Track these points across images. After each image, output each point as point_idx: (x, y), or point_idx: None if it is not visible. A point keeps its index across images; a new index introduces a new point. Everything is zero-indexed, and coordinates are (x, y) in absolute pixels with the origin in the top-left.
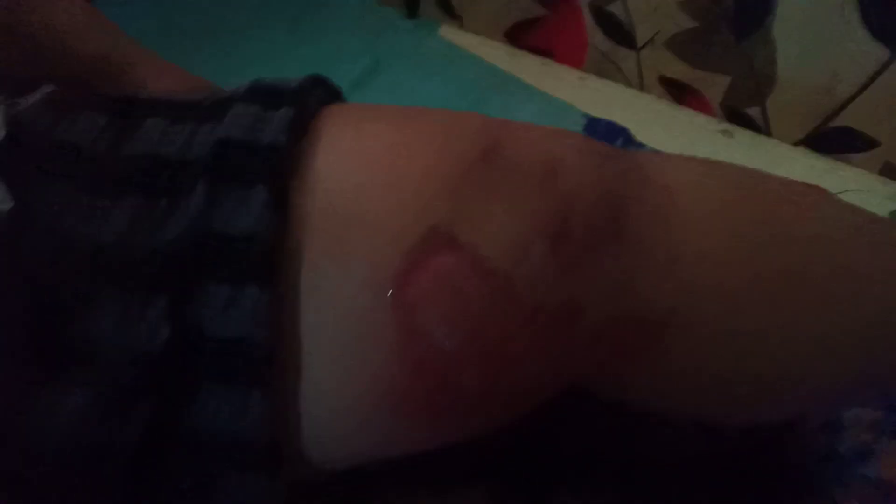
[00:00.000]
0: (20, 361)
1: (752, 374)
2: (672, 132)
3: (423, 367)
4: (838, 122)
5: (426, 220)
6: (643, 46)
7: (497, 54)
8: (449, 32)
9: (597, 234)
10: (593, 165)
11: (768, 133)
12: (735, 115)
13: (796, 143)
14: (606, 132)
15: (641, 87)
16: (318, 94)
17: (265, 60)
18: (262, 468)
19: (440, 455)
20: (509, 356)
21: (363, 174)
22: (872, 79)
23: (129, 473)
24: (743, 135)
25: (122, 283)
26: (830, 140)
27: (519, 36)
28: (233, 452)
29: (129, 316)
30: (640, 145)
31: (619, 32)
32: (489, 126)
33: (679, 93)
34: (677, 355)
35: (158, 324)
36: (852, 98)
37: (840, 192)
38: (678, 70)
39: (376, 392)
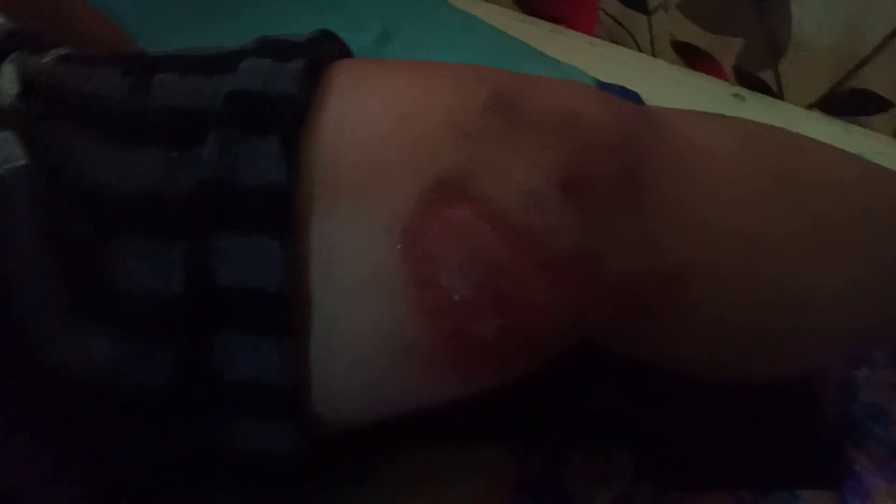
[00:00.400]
0: (51, 305)
1: (774, 322)
2: (683, 97)
3: (438, 317)
4: (853, 83)
5: (438, 168)
6: (655, 10)
7: (508, 21)
8: (459, 0)
9: (614, 184)
10: (611, 116)
11: (781, 97)
12: (748, 79)
13: (810, 107)
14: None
15: (653, 52)
16: (329, 48)
17: (273, 30)
18: (282, 415)
19: (458, 414)
20: (524, 306)
21: (374, 124)
22: (889, 39)
23: (160, 415)
24: (756, 99)
25: (140, 231)
26: (845, 102)
27: (529, 2)
28: (254, 399)
29: (148, 262)
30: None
31: None
32: (504, 76)
33: (691, 57)
34: (698, 307)
35: (174, 270)
36: (868, 59)
37: None
38: (691, 34)
39: (392, 342)
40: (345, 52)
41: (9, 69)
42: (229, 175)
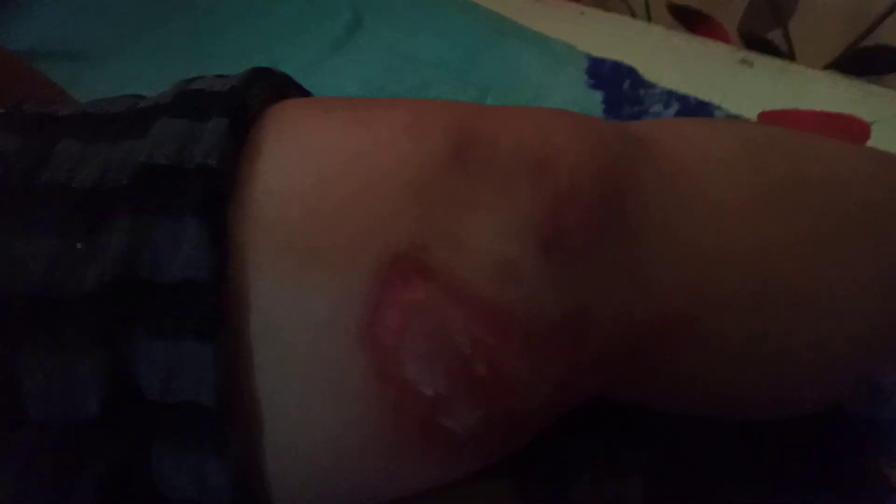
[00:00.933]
0: None
1: (798, 344)
2: (685, 67)
3: (405, 412)
4: (872, 39)
5: (392, 241)
6: None
7: None
8: None
9: (597, 229)
10: (589, 150)
11: (792, 58)
12: (755, 42)
13: (825, 67)
14: (611, 74)
15: (649, 19)
16: (259, 92)
17: (240, 22)
18: None
19: None
20: (505, 391)
21: (312, 193)
22: None
23: None
24: (765, 63)
25: (43, 341)
26: (864, 61)
27: None
28: None
29: (55, 381)
30: (651, 85)
31: None
32: (462, 116)
33: (691, 21)
34: (708, 342)
35: (87, 388)
36: (890, 11)
37: (874, 122)
38: None
39: (354, 445)
40: (282, 88)
41: None
42: (143, 269)
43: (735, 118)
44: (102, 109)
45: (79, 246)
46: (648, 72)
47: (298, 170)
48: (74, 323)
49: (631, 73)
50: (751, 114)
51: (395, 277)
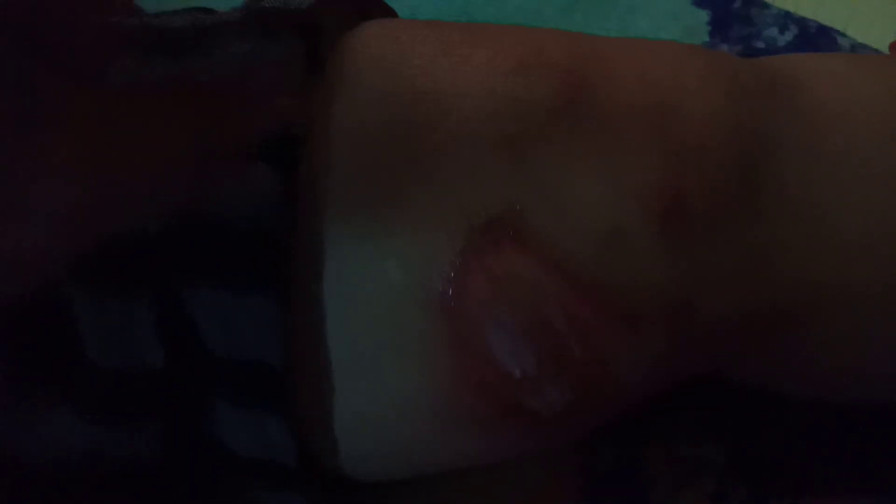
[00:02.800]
0: (12, 380)
1: None
2: None
3: (487, 390)
4: None
5: (485, 204)
6: None
7: None
8: None
9: (724, 204)
10: (720, 101)
11: None
12: None
13: None
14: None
15: None
16: (337, 11)
17: None
18: (298, 489)
19: None
20: (598, 373)
21: (396, 141)
22: None
23: (157, 489)
24: None
25: (97, 280)
26: None
27: None
28: (264, 473)
29: (110, 326)
30: (765, 5)
31: None
32: (575, 56)
33: None
34: (823, 344)
35: (148, 338)
36: None
37: None
38: None
39: (427, 422)
40: (363, 4)
41: None
42: (207, 210)
43: (862, 47)
44: (163, 23)
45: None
46: None
47: (381, 111)
48: (137, 263)
49: None
50: (882, 43)
51: (487, 244)
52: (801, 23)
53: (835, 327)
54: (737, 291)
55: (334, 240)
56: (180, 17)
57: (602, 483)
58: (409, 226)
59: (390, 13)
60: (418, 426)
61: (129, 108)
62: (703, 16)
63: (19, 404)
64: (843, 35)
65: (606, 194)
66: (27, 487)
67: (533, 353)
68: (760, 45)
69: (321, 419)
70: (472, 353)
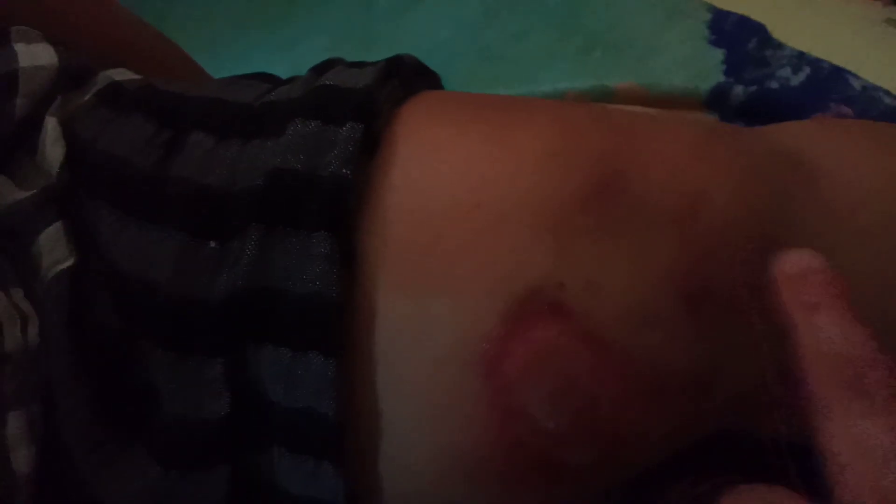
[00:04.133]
0: (90, 435)
1: None
2: (820, 26)
3: (522, 447)
4: None
5: (526, 277)
6: None
7: None
8: None
9: (748, 282)
10: (746, 188)
11: None
12: None
13: None
14: (736, 31)
15: None
16: (392, 90)
17: None
18: None
19: None
20: (624, 435)
21: (445, 217)
22: None
23: None
24: None
25: (173, 341)
26: None
27: None
28: None
29: (184, 380)
30: (779, 45)
31: None
32: (611, 143)
33: None
34: None
35: (217, 390)
36: None
37: None
38: None
39: (465, 469)
40: (413, 79)
41: (52, 125)
42: (273, 279)
43: (874, 88)
44: (233, 96)
45: (212, 245)
46: (777, 29)
47: (432, 189)
48: (208, 326)
49: (759, 30)
50: (892, 83)
51: (527, 313)
52: (815, 63)
53: None
54: (754, 369)
55: (386, 304)
56: (247, 88)
57: None
58: (456, 294)
59: (434, 78)
60: (456, 478)
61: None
62: (719, 55)
63: (103, 447)
64: (856, 76)
65: (637, 276)
66: None
67: (566, 413)
68: (774, 85)
69: (369, 467)
70: (509, 411)
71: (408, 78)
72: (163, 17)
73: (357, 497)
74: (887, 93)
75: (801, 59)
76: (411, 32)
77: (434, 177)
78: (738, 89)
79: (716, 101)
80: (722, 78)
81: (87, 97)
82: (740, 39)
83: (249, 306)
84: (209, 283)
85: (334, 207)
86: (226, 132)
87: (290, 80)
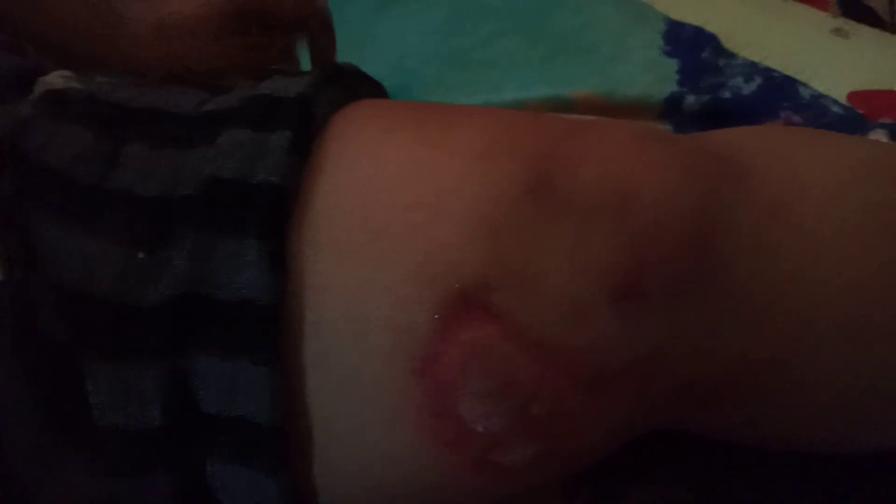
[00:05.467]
0: (34, 442)
1: (882, 392)
2: (770, 36)
3: (458, 449)
4: None
5: (456, 277)
6: None
7: None
8: None
9: (679, 283)
10: (677, 187)
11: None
12: (853, 8)
13: None
14: (690, 40)
15: None
16: (327, 99)
17: None
18: None
19: None
20: (563, 431)
21: (376, 220)
22: None
23: None
24: (862, 33)
25: (111, 350)
26: None
27: None
28: None
29: (122, 389)
30: (732, 55)
31: None
32: (543, 144)
33: None
34: (784, 401)
35: (151, 400)
36: None
37: None
38: None
39: (404, 473)
40: (353, 88)
41: None
42: (204, 287)
43: (823, 97)
44: (173, 105)
45: (140, 255)
46: (730, 40)
47: (363, 193)
48: (140, 335)
49: (712, 40)
50: (841, 92)
51: (459, 315)
52: (766, 73)
53: (774, 395)
54: (689, 363)
55: (320, 308)
56: (186, 97)
57: None
58: (389, 295)
59: (378, 88)
60: (398, 480)
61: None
62: (673, 65)
63: (46, 454)
64: (806, 86)
65: (568, 273)
66: None
67: (500, 415)
68: (727, 94)
69: (309, 474)
70: (445, 415)
71: (347, 86)
72: None
73: None
74: (835, 102)
75: (753, 68)
76: (380, 38)
77: (367, 178)
78: (692, 98)
79: (671, 110)
80: (675, 87)
81: (26, 108)
82: (694, 49)
83: (182, 315)
84: (143, 292)
85: (264, 214)
86: (163, 142)
87: (228, 89)
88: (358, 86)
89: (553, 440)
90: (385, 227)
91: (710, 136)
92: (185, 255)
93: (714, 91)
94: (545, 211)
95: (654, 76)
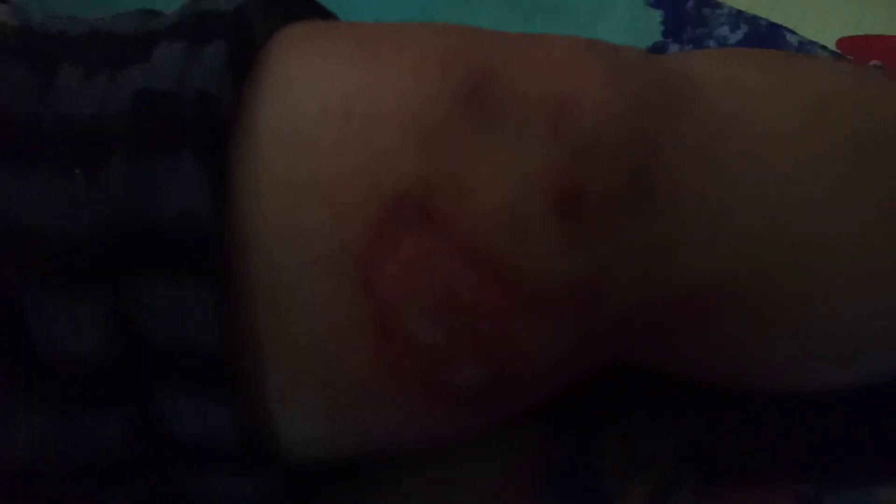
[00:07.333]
0: None
1: (829, 324)
2: None
3: (404, 368)
4: None
5: (395, 183)
6: None
7: None
8: None
9: (619, 194)
10: (617, 95)
11: None
12: None
13: None
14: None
15: None
16: (269, 11)
17: None
18: (244, 472)
19: None
20: (510, 351)
21: (313, 129)
22: None
23: (117, 480)
24: None
25: (47, 279)
26: None
27: None
28: (212, 457)
29: (65, 321)
30: (717, 5)
31: None
32: (478, 50)
33: None
34: (734, 328)
35: (93, 329)
36: None
37: None
38: None
39: (352, 394)
40: (295, 8)
41: None
42: (140, 206)
43: (811, 44)
44: (113, 28)
45: (78, 173)
46: None
47: (299, 103)
48: (75, 261)
49: None
50: (830, 39)
51: (397, 222)
52: (752, 21)
53: (743, 301)
54: (637, 283)
55: (261, 220)
56: (129, 20)
57: (560, 470)
58: (328, 204)
59: (325, 14)
60: (344, 404)
61: None
62: (657, 16)
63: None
64: (793, 32)
65: (508, 180)
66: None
67: (444, 329)
68: (712, 44)
69: (259, 400)
70: (386, 326)
71: (289, 6)
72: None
73: (254, 436)
74: (823, 48)
75: (738, 17)
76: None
77: (304, 88)
78: (675, 48)
79: None
80: (660, 38)
81: None
82: (678, 0)
83: (118, 237)
84: (76, 217)
85: (200, 126)
86: (98, 65)
87: (170, 13)
88: (301, 7)
89: (502, 361)
90: (320, 137)
91: (664, 56)
92: (119, 173)
93: (699, 42)
94: (480, 118)
95: (639, 30)
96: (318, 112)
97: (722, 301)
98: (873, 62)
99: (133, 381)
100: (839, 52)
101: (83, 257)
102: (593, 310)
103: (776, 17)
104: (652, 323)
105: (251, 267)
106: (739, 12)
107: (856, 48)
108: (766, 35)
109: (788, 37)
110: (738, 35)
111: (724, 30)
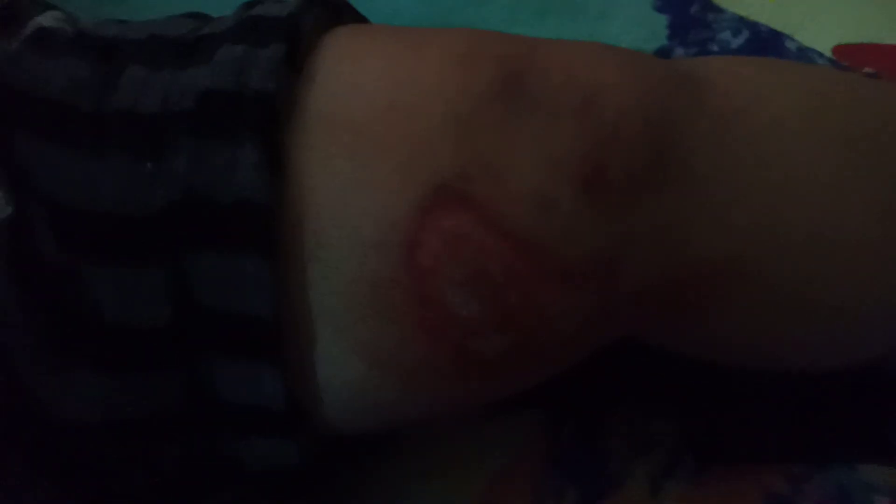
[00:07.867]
0: (38, 352)
1: (841, 304)
2: None
3: (441, 335)
4: None
5: (436, 171)
6: None
7: None
8: None
9: (640, 175)
10: (637, 88)
11: None
12: None
13: None
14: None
15: None
16: (314, 18)
17: None
18: (285, 436)
19: None
20: (535, 321)
21: (361, 120)
22: None
23: (168, 442)
24: None
25: (116, 257)
26: None
27: None
28: (256, 421)
29: (130, 291)
30: (721, 10)
31: None
32: (514, 48)
33: None
34: (744, 306)
35: (157, 299)
36: None
37: None
38: None
39: (394, 361)
40: (337, 13)
41: None
42: (204, 190)
43: (808, 50)
44: (167, 32)
45: (149, 166)
46: None
47: (348, 97)
48: (144, 238)
49: None
50: (826, 46)
51: (438, 206)
52: (754, 27)
53: (756, 280)
54: (654, 258)
55: (312, 206)
56: (180, 24)
57: (565, 451)
58: (376, 192)
59: (361, 19)
60: (389, 375)
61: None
62: (663, 20)
63: (49, 365)
64: (791, 39)
65: (538, 164)
66: (61, 439)
67: (476, 300)
68: (714, 48)
69: (306, 370)
70: (429, 302)
71: (334, 9)
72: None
73: (298, 401)
74: (821, 55)
75: (740, 22)
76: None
77: (352, 84)
78: (680, 52)
79: None
80: (665, 41)
81: (13, 45)
82: (683, 4)
83: (183, 218)
84: (146, 200)
85: (260, 119)
86: (160, 64)
87: (223, 17)
88: (343, 10)
89: (525, 329)
90: (368, 128)
91: (674, 59)
92: (184, 160)
93: (702, 45)
94: (516, 109)
95: (645, 31)
96: (365, 105)
97: (733, 278)
98: (866, 69)
99: (191, 347)
100: (835, 58)
101: (151, 235)
102: (613, 284)
103: (777, 24)
104: (667, 300)
105: (303, 244)
106: (742, 18)
107: (851, 55)
108: (766, 41)
109: (787, 43)
110: (740, 40)
111: (727, 34)
